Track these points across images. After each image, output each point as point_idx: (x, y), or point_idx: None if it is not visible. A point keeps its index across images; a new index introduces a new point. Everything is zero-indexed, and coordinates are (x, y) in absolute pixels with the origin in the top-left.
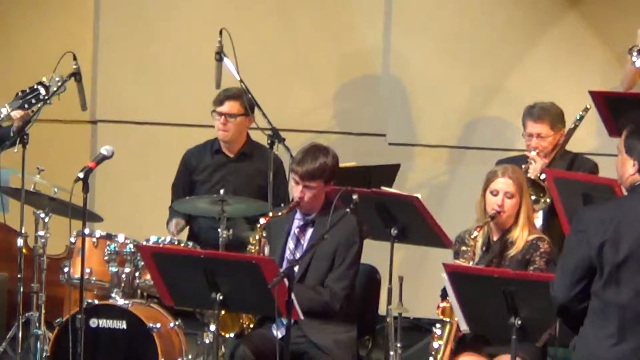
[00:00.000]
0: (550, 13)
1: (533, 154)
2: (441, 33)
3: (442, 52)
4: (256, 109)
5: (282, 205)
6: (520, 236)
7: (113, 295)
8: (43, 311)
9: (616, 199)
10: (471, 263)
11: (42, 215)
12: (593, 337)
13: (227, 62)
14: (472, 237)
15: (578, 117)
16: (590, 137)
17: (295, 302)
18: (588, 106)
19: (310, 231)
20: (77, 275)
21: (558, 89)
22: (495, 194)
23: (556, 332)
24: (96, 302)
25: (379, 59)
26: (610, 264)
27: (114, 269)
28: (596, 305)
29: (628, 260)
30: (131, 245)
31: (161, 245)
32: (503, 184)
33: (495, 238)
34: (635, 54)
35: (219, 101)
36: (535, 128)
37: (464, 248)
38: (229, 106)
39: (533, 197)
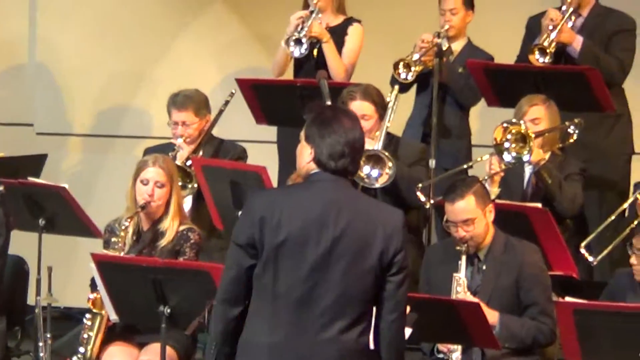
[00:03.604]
0: (197, 1)
1: (179, 141)
2: (88, 20)
3: (89, 39)
4: None
5: None
6: (170, 226)
7: None
8: None
9: (291, 186)
10: (122, 253)
11: None
12: (252, 322)
13: None
14: (123, 227)
15: (224, 103)
16: (240, 124)
17: None
18: (233, 91)
19: None
20: None
21: (204, 77)
22: (145, 183)
23: (205, 320)
24: None
25: (25, 47)
26: (270, 244)
27: None
28: (255, 289)
29: (284, 244)
30: None
31: None
32: (154, 173)
33: (145, 228)
34: (292, 44)
35: None
36: (179, 116)
37: (114, 239)
38: None
39: (181, 184)
